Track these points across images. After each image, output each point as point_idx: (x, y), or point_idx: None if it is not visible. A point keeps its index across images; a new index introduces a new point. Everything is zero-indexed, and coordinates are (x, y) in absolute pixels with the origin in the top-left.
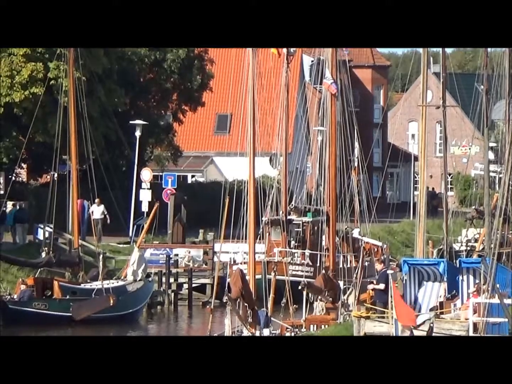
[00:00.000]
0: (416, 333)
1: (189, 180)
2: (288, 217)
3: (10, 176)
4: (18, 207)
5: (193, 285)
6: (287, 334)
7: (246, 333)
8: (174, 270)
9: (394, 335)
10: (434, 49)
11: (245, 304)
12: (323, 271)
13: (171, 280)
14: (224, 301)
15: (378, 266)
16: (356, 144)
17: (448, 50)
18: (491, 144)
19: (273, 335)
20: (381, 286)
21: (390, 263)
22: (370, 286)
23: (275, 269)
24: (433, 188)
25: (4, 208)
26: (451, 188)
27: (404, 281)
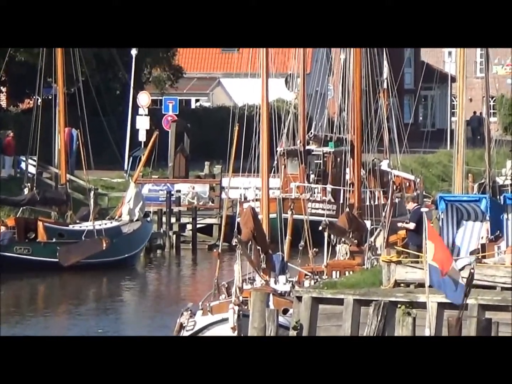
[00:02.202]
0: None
1: (193, 105)
2: (307, 147)
3: None
4: None
5: (198, 225)
6: (306, 281)
7: (258, 280)
8: (176, 209)
9: (428, 283)
10: None
11: (258, 247)
12: (347, 209)
13: (173, 220)
14: (234, 244)
15: (411, 204)
16: (385, 63)
17: None
18: None
19: (290, 282)
20: (412, 225)
21: (424, 199)
22: (400, 224)
23: (292, 207)
24: (480, 113)
25: None
26: (493, 113)
27: (440, 221)
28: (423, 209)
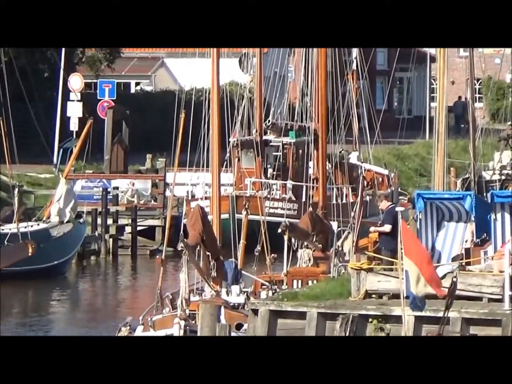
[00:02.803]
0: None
1: (133, 89)
2: (264, 138)
3: None
4: None
5: (138, 228)
6: (263, 292)
7: (208, 291)
8: (113, 209)
9: (405, 293)
10: None
11: (207, 253)
12: (310, 209)
13: (109, 221)
14: (179, 249)
15: (384, 202)
16: None
17: None
18: None
19: (245, 293)
20: (387, 227)
21: (400, 197)
22: (373, 229)
23: (246, 207)
24: (465, 98)
25: None
26: (479, 98)
27: (417, 222)
28: (398, 209)
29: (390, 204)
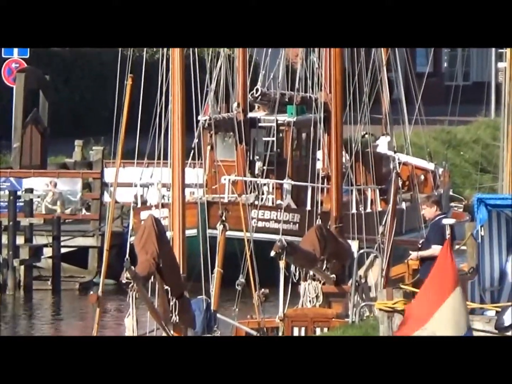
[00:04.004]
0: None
1: None
2: (250, 115)
3: None
4: None
5: (63, 250)
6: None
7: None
8: (25, 221)
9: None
10: None
11: (165, 287)
12: (319, 222)
13: (20, 240)
14: (124, 281)
15: (429, 210)
16: None
17: None
18: None
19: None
20: (434, 250)
21: (452, 204)
22: (415, 255)
23: (224, 218)
24: None
25: None
26: None
27: (479, 239)
28: (446, 221)
29: (439, 214)
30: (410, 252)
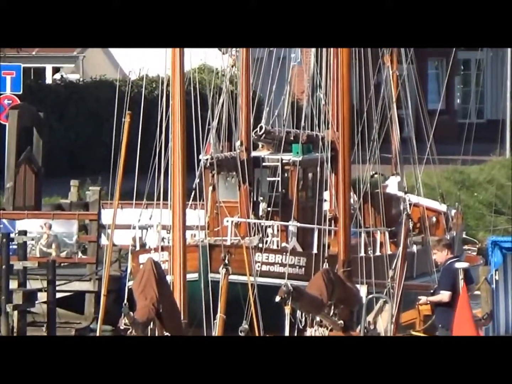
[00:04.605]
0: None
1: (49, 79)
2: (253, 154)
3: None
4: None
5: (58, 295)
6: None
7: None
8: (18, 265)
9: None
10: None
11: (165, 333)
12: (326, 265)
13: (13, 285)
14: (123, 328)
15: (441, 254)
16: None
17: None
18: None
19: None
20: (445, 295)
21: (465, 247)
22: (425, 299)
23: (226, 262)
24: None
25: None
26: None
27: (493, 284)
28: (459, 265)
29: (451, 258)
30: (419, 297)
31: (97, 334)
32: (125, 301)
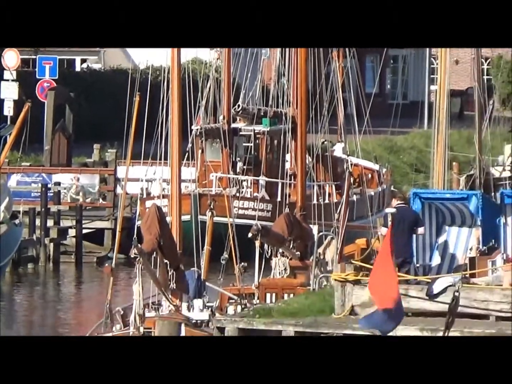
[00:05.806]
0: (433, 306)
1: (78, 67)
2: (232, 125)
3: None
4: None
5: (84, 231)
6: (231, 307)
7: (166, 305)
8: (54, 208)
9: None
10: None
11: (165, 261)
12: (287, 210)
13: (50, 223)
14: (132, 256)
15: (394, 201)
16: None
17: None
18: None
19: (209, 309)
20: (382, 230)
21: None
22: (384, 230)
23: (212, 207)
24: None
25: None
26: (488, 80)
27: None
28: (388, 210)
29: (398, 203)
30: (380, 230)
31: (113, 261)
32: (135, 236)
